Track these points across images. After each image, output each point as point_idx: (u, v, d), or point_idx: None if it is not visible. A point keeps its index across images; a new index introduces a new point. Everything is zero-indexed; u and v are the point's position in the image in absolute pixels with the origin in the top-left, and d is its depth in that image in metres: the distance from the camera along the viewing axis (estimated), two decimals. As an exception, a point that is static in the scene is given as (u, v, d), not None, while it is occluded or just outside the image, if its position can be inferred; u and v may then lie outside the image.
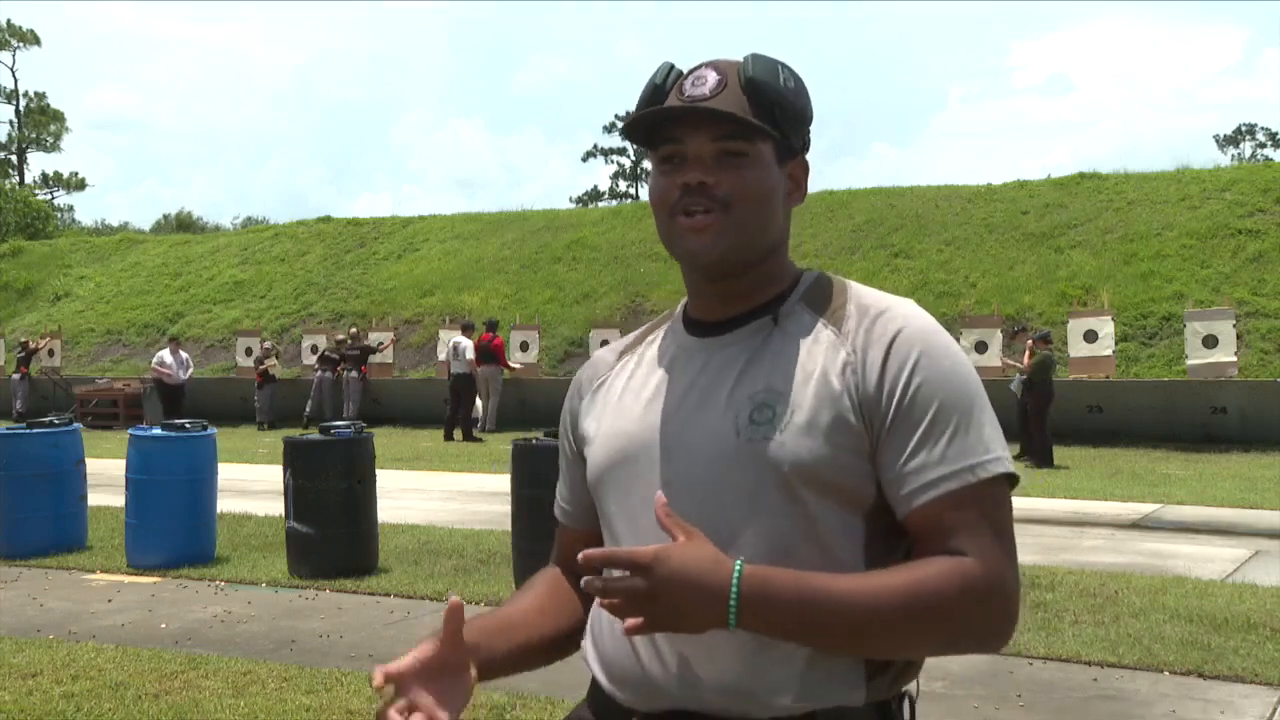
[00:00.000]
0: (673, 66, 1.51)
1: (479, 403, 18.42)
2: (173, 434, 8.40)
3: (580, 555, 1.34)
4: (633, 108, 1.54)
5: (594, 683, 1.56)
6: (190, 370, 21.20)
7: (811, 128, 1.53)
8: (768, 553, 1.38)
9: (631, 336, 1.68)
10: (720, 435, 1.43)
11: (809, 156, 1.55)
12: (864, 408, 1.40)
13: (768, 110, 1.45)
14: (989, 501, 1.39)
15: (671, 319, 1.61)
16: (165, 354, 20.60)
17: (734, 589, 1.31)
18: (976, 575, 1.35)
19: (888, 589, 1.34)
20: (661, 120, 1.46)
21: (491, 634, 1.54)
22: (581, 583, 1.35)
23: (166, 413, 19.02)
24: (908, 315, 1.44)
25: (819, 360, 1.43)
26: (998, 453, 1.40)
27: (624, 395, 1.57)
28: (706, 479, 1.43)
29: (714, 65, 1.48)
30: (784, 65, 1.48)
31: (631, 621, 1.31)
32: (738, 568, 1.32)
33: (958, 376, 1.42)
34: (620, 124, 1.95)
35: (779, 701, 1.39)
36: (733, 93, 1.44)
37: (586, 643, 1.59)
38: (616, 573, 1.32)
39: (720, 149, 1.44)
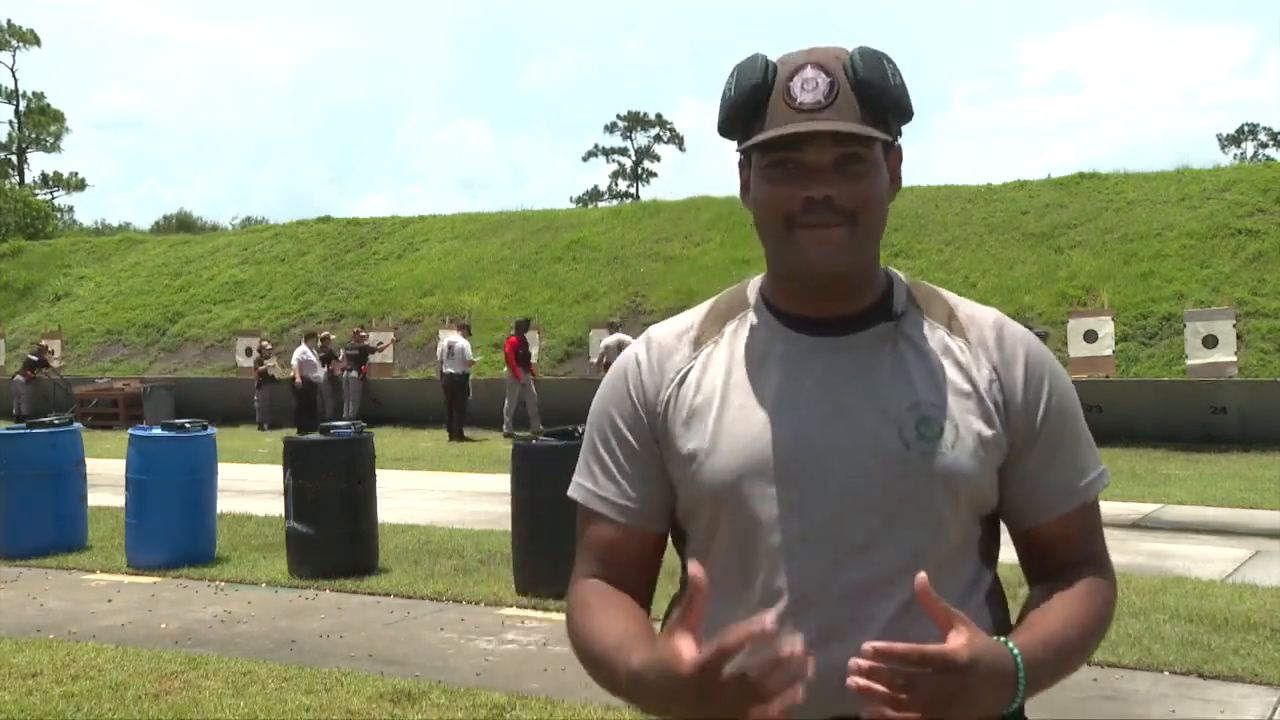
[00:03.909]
0: (767, 60, 1.44)
1: (506, 402, 18.09)
2: (173, 434, 8.40)
3: (870, 646, 1.22)
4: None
5: None
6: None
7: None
8: (910, 560, 1.39)
9: (694, 323, 1.56)
10: (885, 446, 1.41)
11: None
12: (1009, 424, 1.46)
13: (880, 112, 1.41)
14: (1098, 507, 1.55)
15: (748, 308, 1.53)
16: (307, 350, 19.18)
17: (1020, 675, 1.33)
18: (1112, 587, 1.52)
19: (1090, 626, 1.46)
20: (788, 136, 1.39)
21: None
22: (854, 680, 1.21)
23: (302, 414, 18.02)
24: (1026, 333, 1.52)
25: (965, 375, 1.46)
26: (1102, 462, 1.54)
27: (733, 394, 1.47)
28: (871, 490, 1.41)
29: (818, 63, 1.41)
30: (888, 58, 1.43)
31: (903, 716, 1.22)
32: (1015, 652, 1.33)
33: (1073, 391, 1.53)
34: (723, 126, 1.51)
35: None
36: (846, 97, 1.39)
37: None
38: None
39: (839, 155, 1.40)
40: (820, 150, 1.39)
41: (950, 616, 1.28)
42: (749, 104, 1.43)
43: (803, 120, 1.38)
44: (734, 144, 1.50)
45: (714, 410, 1.47)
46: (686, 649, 1.24)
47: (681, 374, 1.51)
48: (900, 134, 1.49)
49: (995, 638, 1.34)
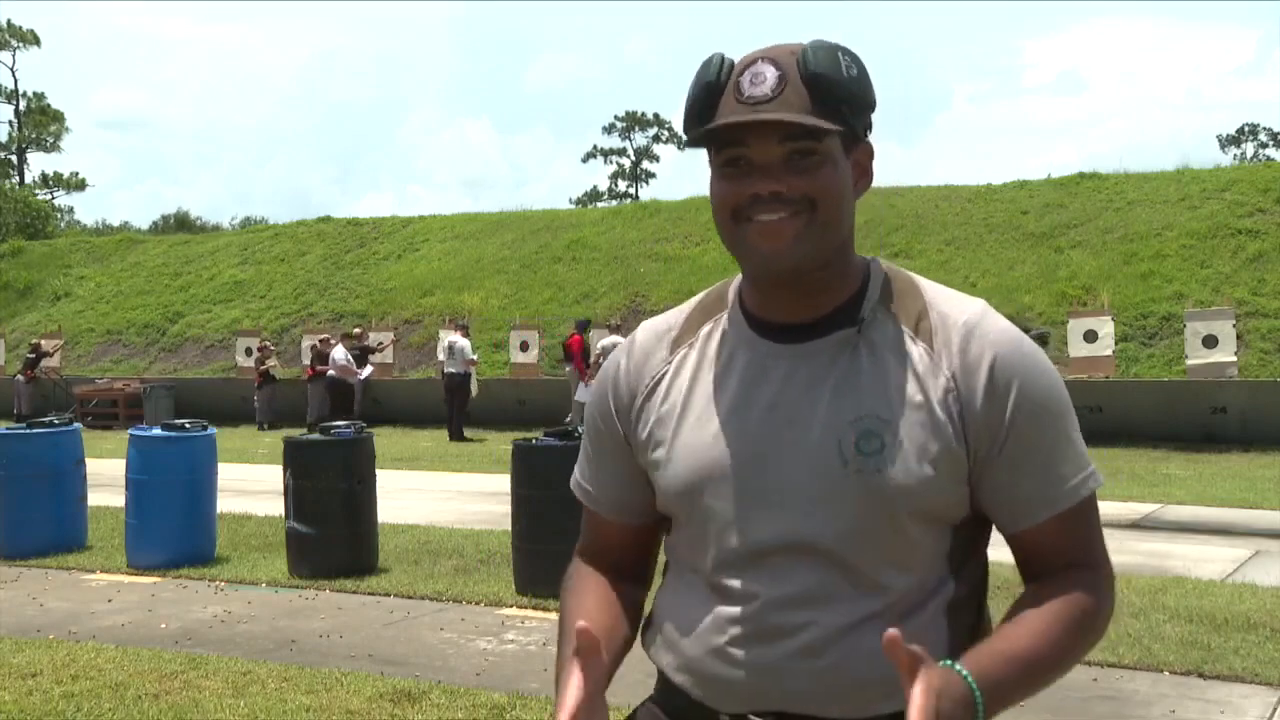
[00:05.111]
0: (724, 58, 1.43)
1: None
2: (173, 434, 8.40)
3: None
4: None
5: (666, 683, 1.54)
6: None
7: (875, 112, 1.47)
8: (847, 574, 1.41)
9: (676, 323, 1.58)
10: (824, 462, 1.39)
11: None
12: (969, 436, 1.40)
13: (833, 104, 1.38)
14: (1089, 510, 1.46)
15: (726, 308, 1.54)
16: (346, 354, 19.11)
17: (978, 702, 1.28)
18: (1103, 588, 1.45)
19: (1063, 634, 1.40)
20: (723, 129, 1.39)
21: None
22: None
23: (336, 413, 17.55)
24: (998, 333, 1.42)
25: (919, 385, 1.41)
26: (1091, 464, 1.46)
27: (694, 402, 1.49)
28: (807, 504, 1.40)
29: (771, 58, 1.39)
30: (844, 51, 1.41)
31: None
32: (969, 681, 1.28)
33: (1054, 394, 1.43)
34: (684, 126, 1.66)
35: (871, 702, 1.41)
36: (795, 89, 1.37)
37: (656, 642, 1.56)
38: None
39: (788, 151, 1.38)
40: (766, 145, 1.38)
41: (915, 659, 1.22)
42: (703, 102, 1.42)
43: (747, 113, 1.37)
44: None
45: (675, 419, 1.50)
46: (571, 692, 1.33)
47: (655, 379, 1.54)
48: (866, 129, 1.45)
49: (946, 662, 1.28)
